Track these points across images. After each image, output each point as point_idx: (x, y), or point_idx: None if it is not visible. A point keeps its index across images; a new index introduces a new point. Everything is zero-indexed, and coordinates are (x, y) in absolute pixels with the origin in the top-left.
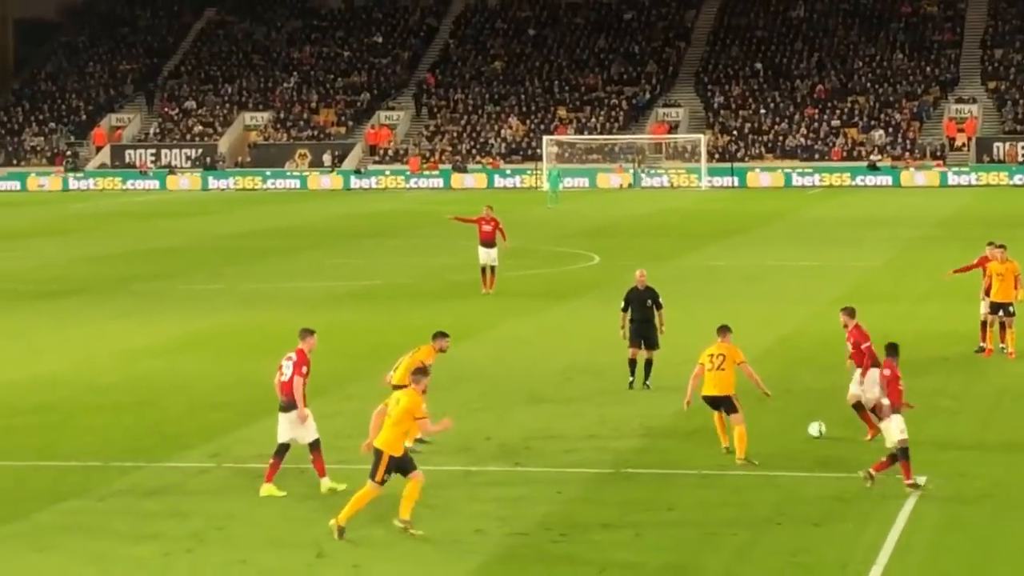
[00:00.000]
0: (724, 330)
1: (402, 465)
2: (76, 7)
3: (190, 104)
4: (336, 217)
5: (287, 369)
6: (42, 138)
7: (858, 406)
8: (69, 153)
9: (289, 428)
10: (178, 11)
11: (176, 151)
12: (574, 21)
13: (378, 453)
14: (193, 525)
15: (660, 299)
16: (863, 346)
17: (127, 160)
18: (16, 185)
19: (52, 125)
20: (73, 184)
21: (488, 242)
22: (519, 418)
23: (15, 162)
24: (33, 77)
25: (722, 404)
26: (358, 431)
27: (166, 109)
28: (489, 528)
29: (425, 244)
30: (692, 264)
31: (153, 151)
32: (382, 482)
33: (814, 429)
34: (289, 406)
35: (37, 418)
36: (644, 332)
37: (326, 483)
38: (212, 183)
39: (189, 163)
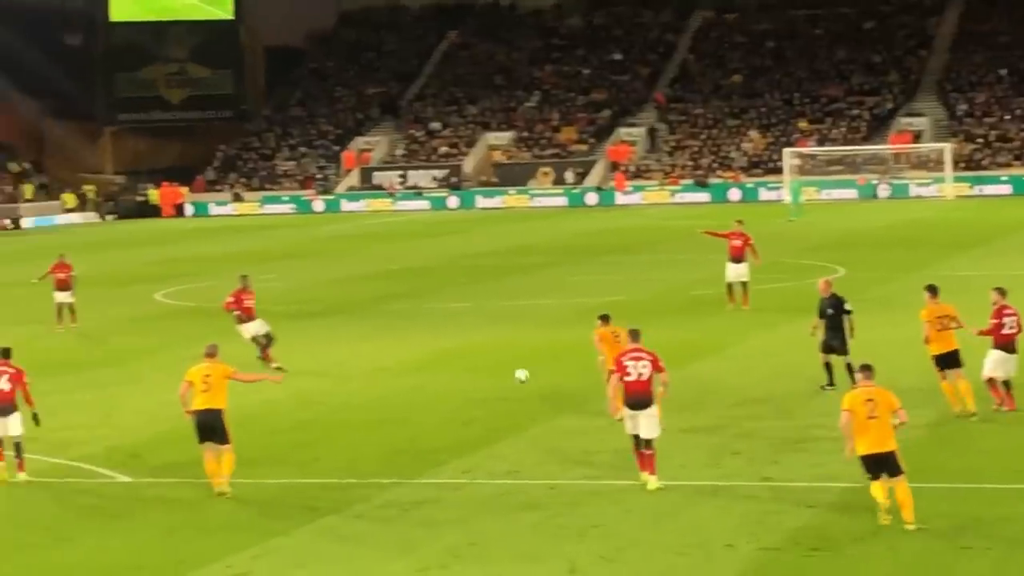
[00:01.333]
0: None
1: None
2: (323, 34)
3: (435, 125)
4: (574, 234)
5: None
6: (294, 162)
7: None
8: (320, 176)
9: None
10: (422, 35)
11: (422, 172)
12: (813, 32)
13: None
14: (448, 541)
15: (846, 305)
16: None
17: (375, 181)
18: (271, 209)
19: (303, 149)
20: (324, 207)
21: (737, 258)
22: (767, 432)
23: (268, 186)
24: (284, 103)
25: None
26: (605, 446)
27: (412, 131)
28: (739, 543)
29: (669, 259)
30: (941, 275)
31: (400, 172)
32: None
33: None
34: None
35: (296, 436)
36: (832, 338)
37: None
38: (456, 203)
39: (435, 183)
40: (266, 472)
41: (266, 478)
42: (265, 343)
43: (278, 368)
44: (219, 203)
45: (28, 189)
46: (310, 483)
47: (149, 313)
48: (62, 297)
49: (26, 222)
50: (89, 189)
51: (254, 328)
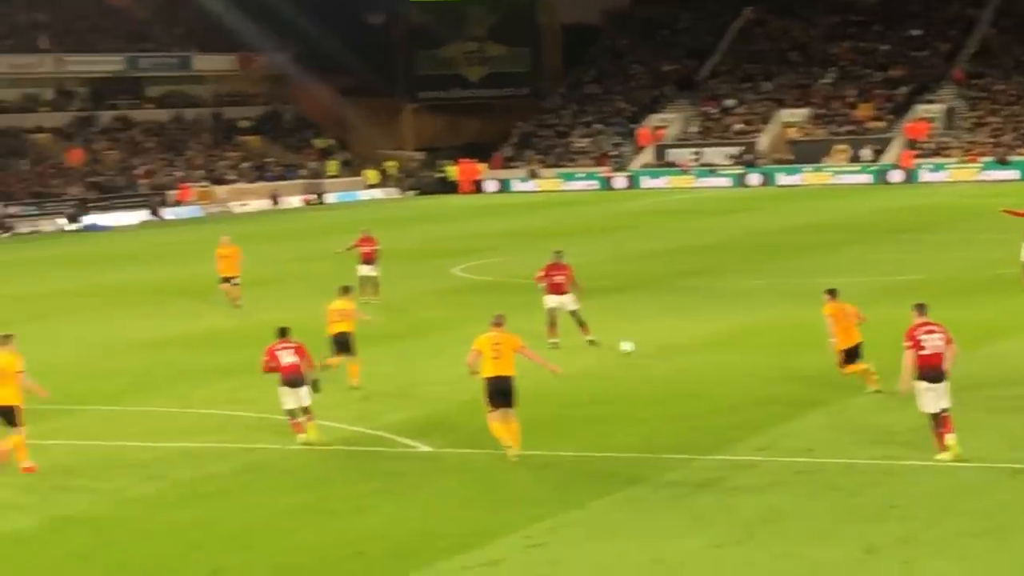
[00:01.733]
0: None
1: None
2: (620, 12)
3: (730, 102)
4: (873, 211)
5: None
6: (589, 139)
7: None
8: (614, 153)
9: None
10: (717, 11)
11: (716, 149)
12: None
13: None
14: (743, 518)
15: None
16: None
17: (669, 159)
18: (574, 185)
19: (598, 126)
20: (619, 183)
21: None
22: None
23: (564, 163)
24: (579, 80)
25: None
26: (902, 425)
27: (706, 108)
28: None
29: (969, 238)
30: None
31: (694, 150)
32: None
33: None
34: None
35: (592, 410)
36: None
37: None
38: (750, 180)
39: (729, 161)
40: (562, 444)
41: (562, 450)
42: (576, 320)
43: (591, 341)
44: (522, 179)
45: (332, 165)
46: (605, 456)
47: (448, 287)
48: (366, 271)
49: (330, 197)
50: (390, 165)
51: (564, 302)
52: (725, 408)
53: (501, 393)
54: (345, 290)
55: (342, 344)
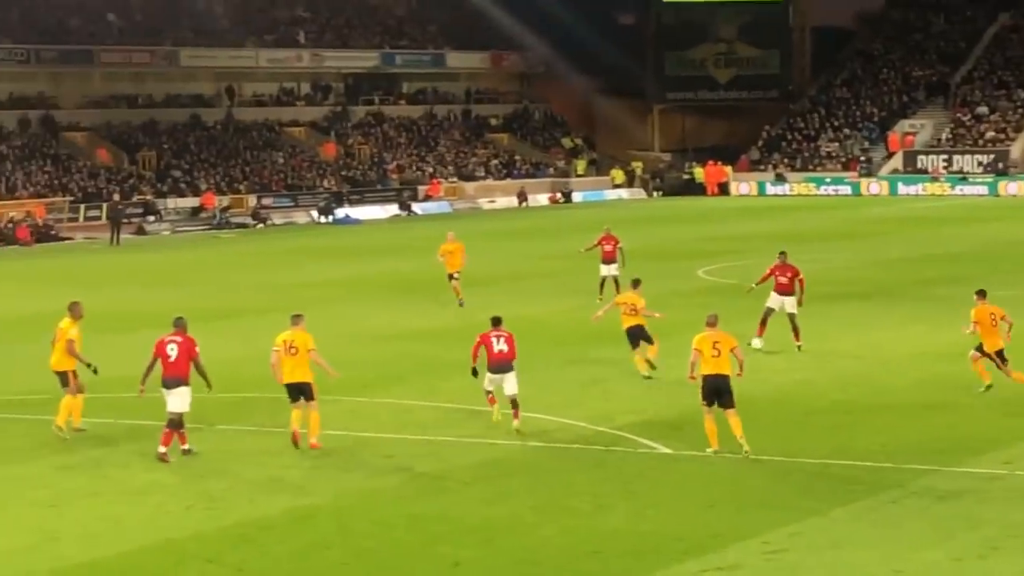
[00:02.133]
0: None
1: None
2: (872, 15)
3: (982, 110)
4: None
5: None
6: (837, 144)
7: None
8: (863, 159)
9: None
10: (971, 16)
11: (967, 157)
12: None
13: None
14: (986, 532)
15: None
16: None
17: (919, 165)
18: (828, 190)
19: (846, 131)
20: (867, 189)
21: None
22: None
23: (811, 167)
24: (829, 84)
25: None
26: None
27: (958, 115)
28: None
29: None
30: None
31: (945, 156)
32: None
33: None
34: None
35: (833, 417)
36: None
37: None
38: (1005, 189)
39: (980, 169)
40: (803, 451)
41: (803, 457)
42: (791, 323)
43: (799, 347)
44: (772, 182)
45: (580, 164)
46: (846, 464)
47: (692, 288)
48: (607, 270)
49: (576, 196)
50: (637, 166)
51: (785, 304)
52: (969, 419)
53: (715, 391)
54: (635, 283)
55: (634, 337)
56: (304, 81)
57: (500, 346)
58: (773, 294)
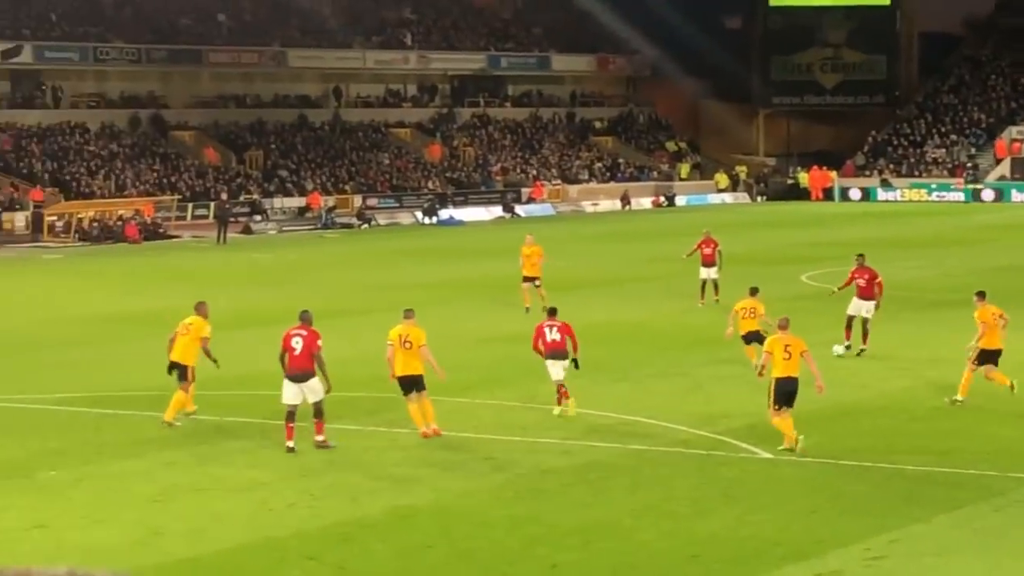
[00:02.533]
0: None
1: None
2: (981, 20)
3: None
4: None
5: None
6: (943, 150)
7: None
8: (969, 165)
9: None
10: None
11: None
12: None
13: None
14: None
15: None
16: None
17: None
18: (909, 195)
19: (953, 137)
20: (978, 196)
21: None
22: None
23: (917, 173)
24: (936, 90)
25: None
26: None
27: None
28: None
29: None
30: None
31: None
32: None
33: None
34: None
35: (936, 424)
36: None
37: None
38: None
39: None
40: (906, 458)
41: (906, 463)
42: (863, 328)
43: (862, 351)
44: (883, 188)
45: (684, 168)
46: (949, 471)
47: (793, 294)
48: (707, 273)
49: (680, 200)
50: (741, 170)
51: (861, 307)
52: None
53: (788, 394)
54: (753, 291)
55: (749, 340)
56: (410, 83)
57: (553, 335)
58: (854, 299)
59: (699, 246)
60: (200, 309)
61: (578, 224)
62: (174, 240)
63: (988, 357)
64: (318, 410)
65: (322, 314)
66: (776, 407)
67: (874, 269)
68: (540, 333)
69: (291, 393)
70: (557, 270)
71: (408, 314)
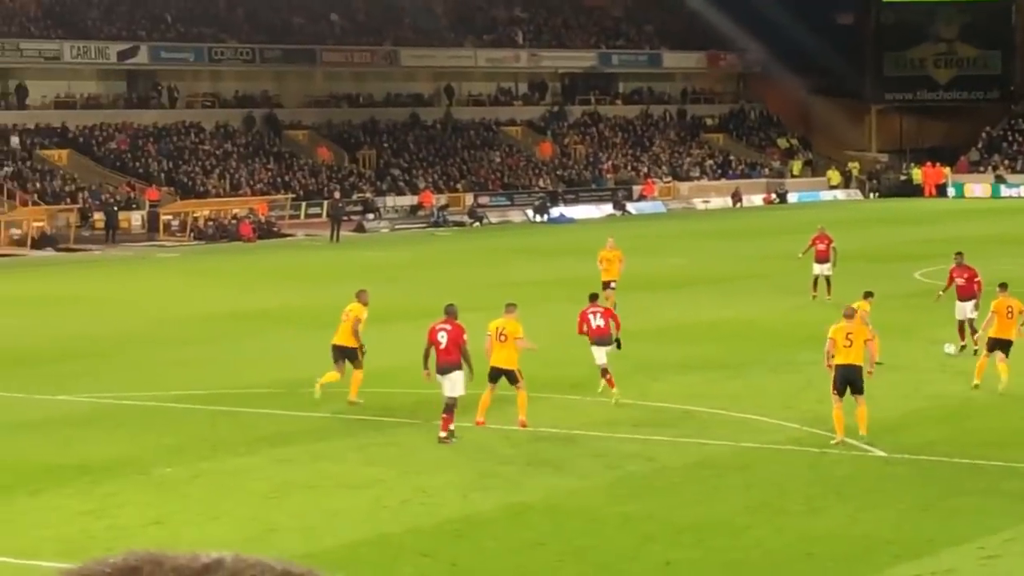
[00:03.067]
0: None
1: None
2: None
3: None
4: None
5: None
6: None
7: None
8: None
9: None
10: None
11: None
12: None
13: None
14: None
15: None
16: None
17: None
18: None
19: None
20: None
21: None
22: None
23: None
24: None
25: None
26: None
27: None
28: None
29: None
30: None
31: None
32: None
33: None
34: None
35: None
36: None
37: None
38: None
39: None
40: (1020, 456)
41: (1020, 462)
42: (970, 328)
43: (962, 347)
44: (1009, 185)
45: (795, 165)
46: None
47: (906, 291)
48: (820, 269)
49: (791, 197)
50: (853, 166)
51: (965, 309)
52: None
53: (847, 381)
54: (867, 295)
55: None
56: (521, 81)
57: (597, 321)
58: (957, 302)
59: (813, 242)
60: (361, 296)
61: (689, 221)
62: (288, 239)
63: (996, 345)
64: (449, 406)
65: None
66: (837, 394)
67: (973, 267)
68: (584, 319)
69: (447, 386)
70: (671, 268)
71: (509, 308)
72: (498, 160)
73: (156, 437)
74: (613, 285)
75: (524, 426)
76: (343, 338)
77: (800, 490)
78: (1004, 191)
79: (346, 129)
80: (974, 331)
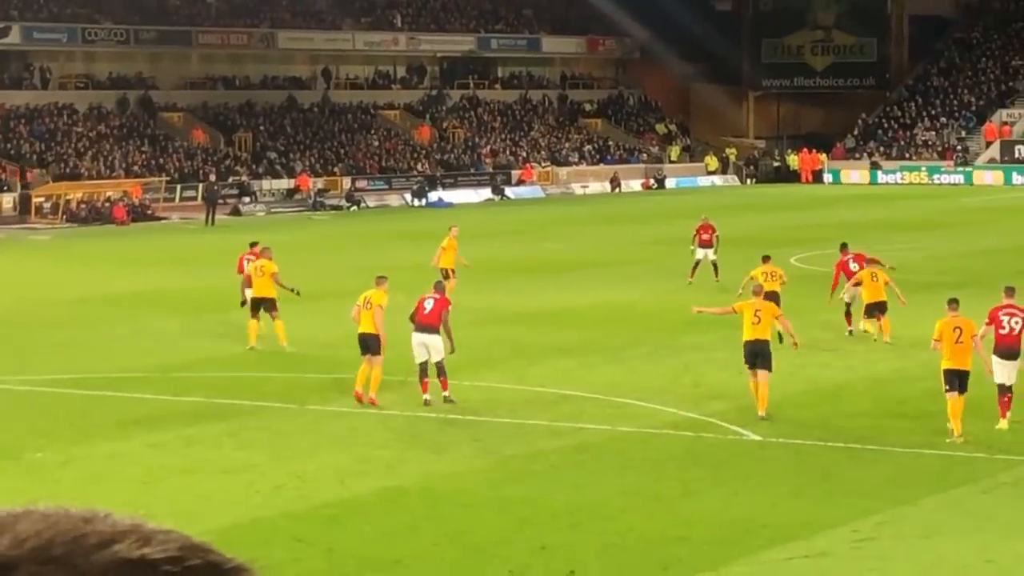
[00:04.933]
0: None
1: None
2: (972, 3)
3: None
4: None
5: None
6: (933, 133)
7: None
8: (959, 148)
9: None
10: None
11: None
12: None
13: None
14: None
15: None
16: None
17: (1016, 155)
18: (910, 178)
19: (943, 120)
20: (962, 179)
21: None
22: None
23: (907, 156)
24: (927, 72)
25: None
26: None
27: None
28: None
29: None
30: None
31: None
32: None
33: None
34: None
35: (924, 405)
36: None
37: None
38: None
39: None
40: (894, 439)
41: (895, 445)
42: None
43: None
44: (886, 172)
45: (674, 151)
46: (937, 454)
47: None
48: (704, 254)
49: (670, 182)
50: (731, 152)
51: (854, 293)
52: None
53: (754, 354)
54: (766, 258)
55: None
56: (400, 64)
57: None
58: (850, 287)
59: (698, 231)
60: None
61: (568, 206)
62: (162, 222)
63: (874, 308)
64: (441, 368)
65: (311, 296)
66: (748, 366)
67: (861, 252)
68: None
69: (419, 350)
70: (549, 252)
71: (379, 281)
72: (376, 144)
73: (27, 422)
74: (452, 272)
75: (374, 403)
76: (368, 326)
77: (676, 474)
78: (881, 177)
79: (222, 111)
80: (849, 314)
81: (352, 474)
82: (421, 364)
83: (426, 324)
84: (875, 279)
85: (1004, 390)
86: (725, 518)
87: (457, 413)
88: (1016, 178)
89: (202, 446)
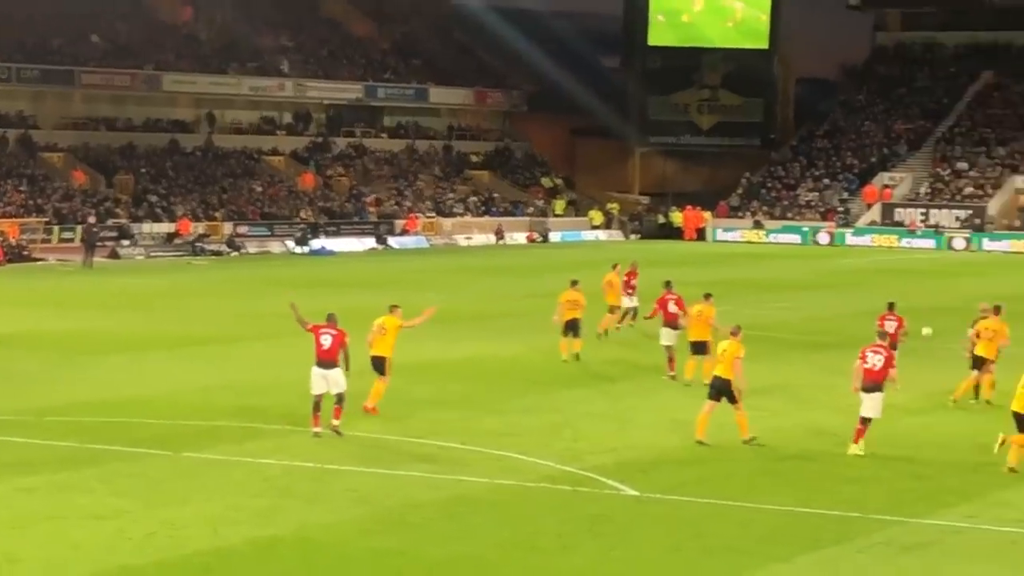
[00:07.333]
0: None
1: None
2: (856, 67)
3: (962, 165)
4: None
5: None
6: (816, 193)
7: None
8: (841, 209)
9: None
10: (955, 73)
11: (945, 211)
12: None
13: None
14: None
15: None
16: None
17: (896, 218)
18: (794, 239)
19: (826, 181)
20: (846, 240)
21: None
22: None
23: (790, 216)
24: (811, 134)
25: None
26: None
27: (938, 169)
28: None
29: None
30: None
31: (923, 210)
32: None
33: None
34: None
35: (802, 465)
36: None
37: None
38: (985, 245)
39: (958, 224)
40: (771, 497)
41: (770, 503)
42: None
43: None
44: (768, 232)
45: (559, 204)
46: (813, 513)
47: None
48: (629, 302)
49: (554, 236)
50: (613, 207)
51: (671, 337)
52: (936, 472)
53: (720, 391)
54: (574, 283)
55: (570, 328)
56: (286, 110)
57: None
58: (664, 329)
59: (628, 277)
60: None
61: (451, 257)
62: (39, 263)
63: (697, 348)
64: (340, 398)
65: (188, 341)
66: (709, 399)
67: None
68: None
69: (319, 383)
70: (430, 303)
71: (393, 309)
72: (259, 190)
73: None
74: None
75: (375, 412)
76: (381, 349)
77: (553, 528)
78: (763, 237)
79: (103, 153)
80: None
81: (226, 522)
82: (316, 397)
83: (326, 360)
84: (700, 317)
85: (865, 421)
86: (601, 573)
87: (334, 463)
88: (905, 241)
89: (73, 491)
